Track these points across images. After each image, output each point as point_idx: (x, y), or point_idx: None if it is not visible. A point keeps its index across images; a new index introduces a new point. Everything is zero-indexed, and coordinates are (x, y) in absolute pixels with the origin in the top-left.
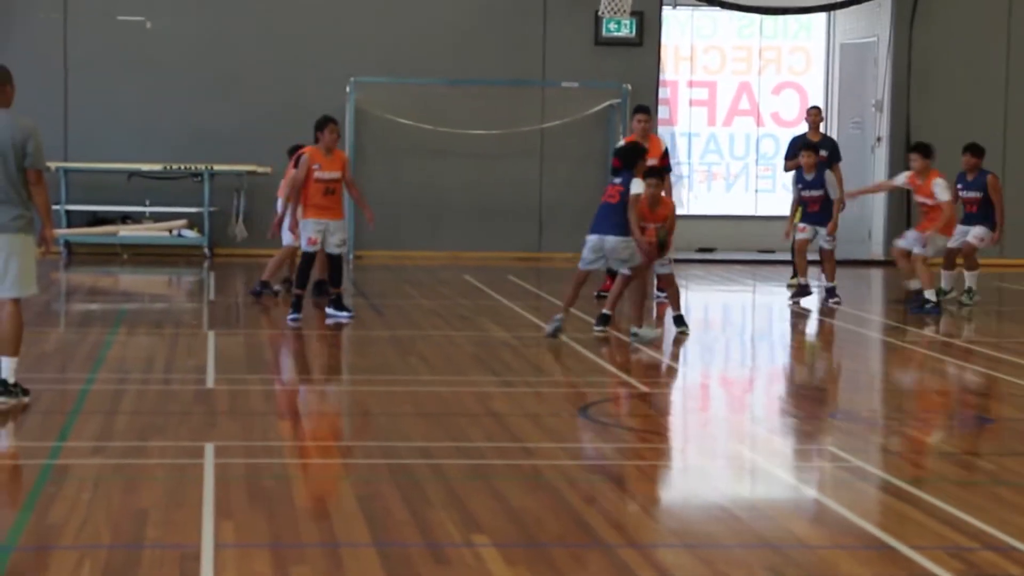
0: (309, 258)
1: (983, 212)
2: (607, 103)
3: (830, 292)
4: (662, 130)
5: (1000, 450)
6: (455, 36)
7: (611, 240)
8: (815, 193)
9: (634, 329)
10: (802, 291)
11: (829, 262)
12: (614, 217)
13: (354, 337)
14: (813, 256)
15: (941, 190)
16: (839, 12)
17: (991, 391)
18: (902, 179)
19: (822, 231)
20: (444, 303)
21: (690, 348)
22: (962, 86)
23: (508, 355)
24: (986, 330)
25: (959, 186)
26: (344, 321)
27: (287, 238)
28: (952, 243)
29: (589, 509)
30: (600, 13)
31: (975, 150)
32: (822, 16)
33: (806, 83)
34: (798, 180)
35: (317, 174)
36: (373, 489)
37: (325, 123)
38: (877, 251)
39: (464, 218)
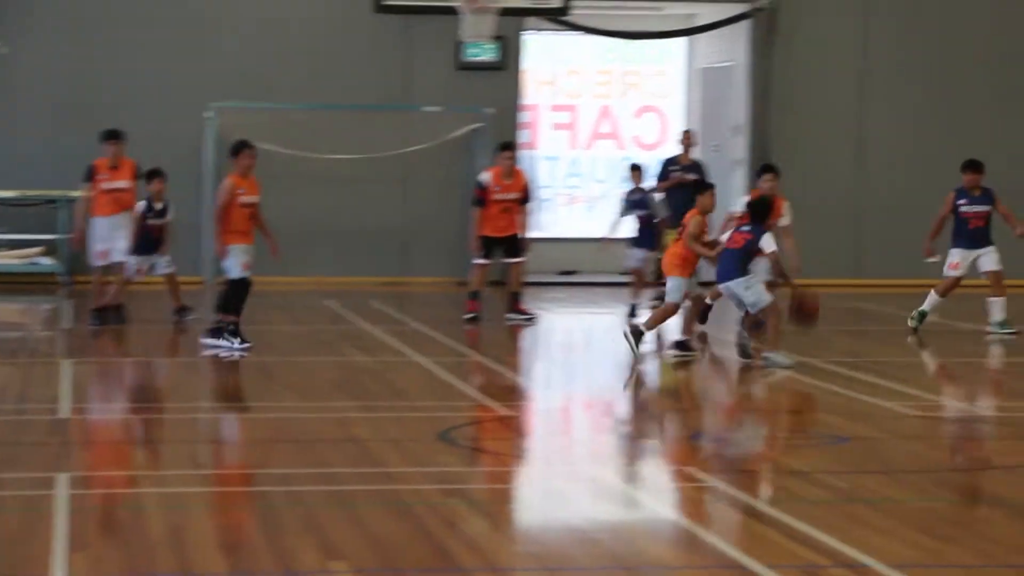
0: (246, 284)
1: (988, 229)
2: (470, 127)
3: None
4: (524, 153)
5: (854, 468)
6: (317, 60)
7: (733, 284)
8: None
9: (766, 353)
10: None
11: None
12: (734, 263)
13: (215, 364)
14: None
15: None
16: (698, 37)
17: (847, 410)
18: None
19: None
20: (306, 329)
21: (551, 371)
22: (819, 108)
23: (370, 380)
24: (843, 349)
25: (963, 202)
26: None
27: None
28: (959, 271)
29: (449, 534)
30: (461, 38)
31: (977, 166)
32: (682, 41)
33: (667, 107)
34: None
35: (242, 199)
36: (231, 518)
37: (242, 147)
38: None
39: (326, 244)
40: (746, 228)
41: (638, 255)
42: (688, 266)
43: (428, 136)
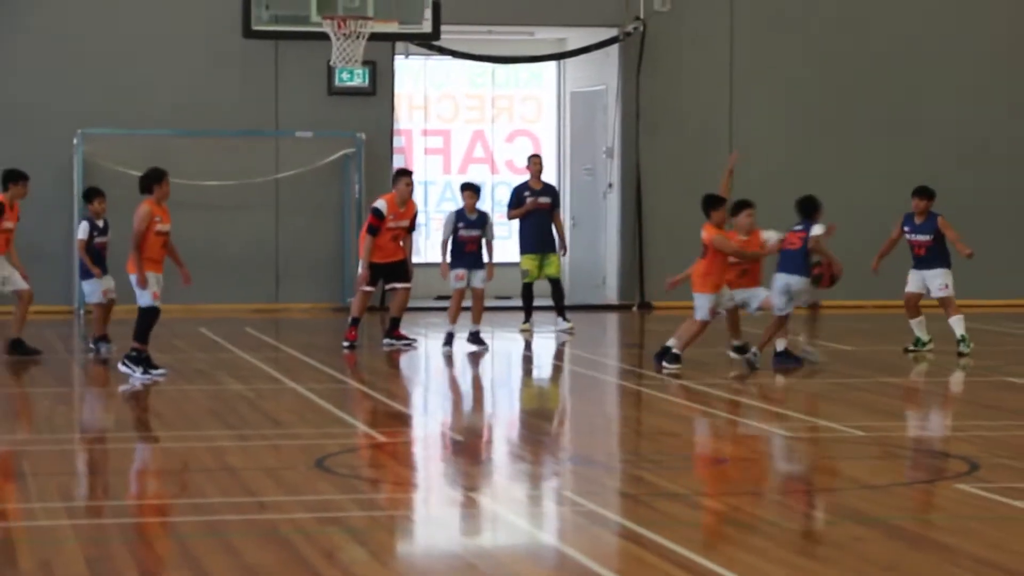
0: (157, 312)
1: (932, 254)
2: (342, 152)
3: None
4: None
5: (730, 490)
6: (188, 86)
7: (795, 280)
8: (474, 233)
9: (807, 348)
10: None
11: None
12: (798, 259)
13: (85, 393)
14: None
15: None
16: (569, 61)
17: (723, 432)
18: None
19: (480, 273)
20: (179, 357)
21: (429, 397)
22: (689, 131)
23: (245, 408)
24: (721, 372)
25: (906, 228)
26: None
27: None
28: (912, 287)
29: (326, 563)
30: (332, 63)
31: (926, 193)
32: (552, 65)
33: (539, 131)
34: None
35: (159, 227)
36: (102, 550)
37: (162, 175)
38: (611, 296)
39: (199, 270)
40: (799, 227)
41: (461, 276)
42: (714, 281)
43: (300, 161)
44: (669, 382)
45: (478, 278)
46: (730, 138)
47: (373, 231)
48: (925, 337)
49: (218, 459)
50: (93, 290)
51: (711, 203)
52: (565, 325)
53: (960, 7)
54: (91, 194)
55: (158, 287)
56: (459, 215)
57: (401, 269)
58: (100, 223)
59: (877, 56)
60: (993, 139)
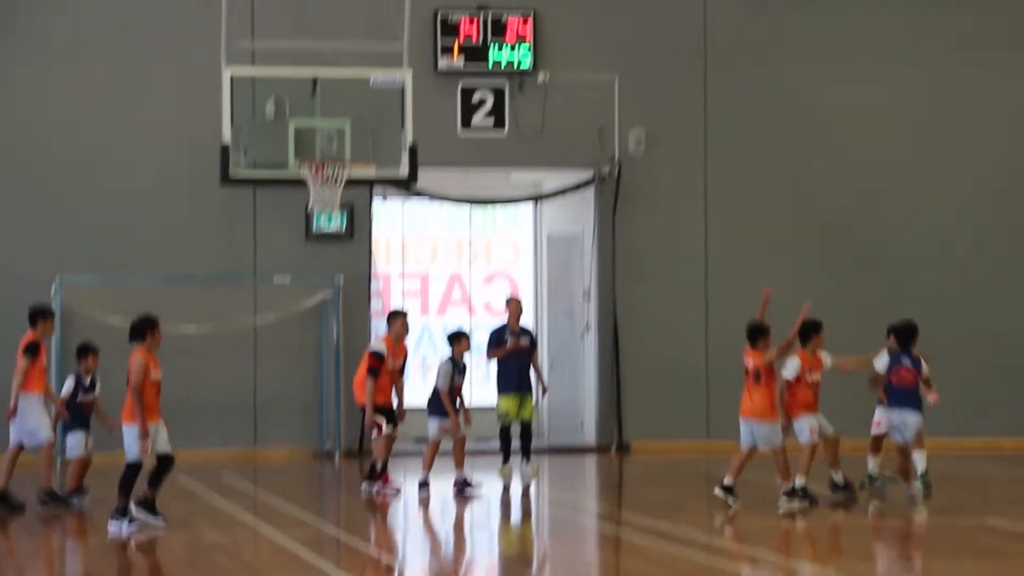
0: (140, 466)
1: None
2: (320, 296)
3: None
4: (376, 322)
5: None
6: (166, 231)
7: (915, 417)
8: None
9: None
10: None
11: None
12: (916, 396)
13: (40, 545)
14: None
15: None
16: (545, 203)
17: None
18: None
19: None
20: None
21: (409, 542)
22: (665, 271)
23: (222, 558)
24: (698, 515)
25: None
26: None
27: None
28: (877, 430)
29: None
30: (310, 208)
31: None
32: (529, 207)
33: (516, 273)
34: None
35: (153, 376)
36: None
37: (155, 323)
38: (590, 439)
39: (177, 416)
40: (908, 362)
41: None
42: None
43: (278, 306)
44: (649, 526)
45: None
46: (705, 277)
47: (375, 373)
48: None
49: None
50: (75, 444)
51: (760, 332)
52: (529, 468)
53: (929, 152)
54: (85, 351)
55: (157, 436)
56: (454, 363)
57: (392, 414)
58: (87, 380)
59: (854, 193)
60: (965, 278)
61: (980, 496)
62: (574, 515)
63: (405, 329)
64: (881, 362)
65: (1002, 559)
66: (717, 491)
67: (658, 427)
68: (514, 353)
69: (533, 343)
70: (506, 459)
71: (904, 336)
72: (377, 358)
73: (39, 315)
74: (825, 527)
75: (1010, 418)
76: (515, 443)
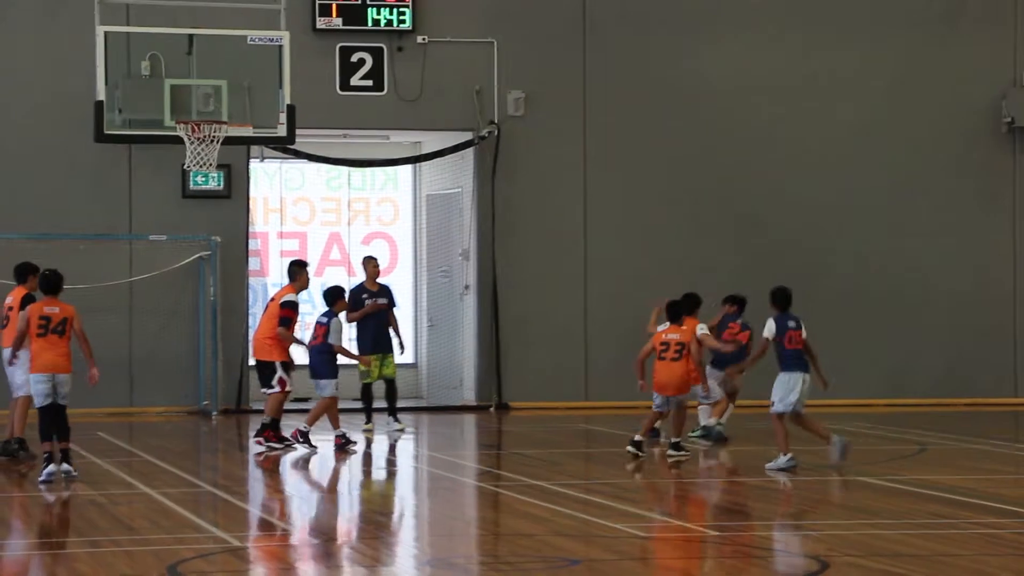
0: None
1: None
2: (197, 255)
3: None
4: (253, 281)
5: None
6: (40, 189)
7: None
8: None
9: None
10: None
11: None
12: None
13: None
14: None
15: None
16: (424, 164)
17: (578, 532)
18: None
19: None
20: (31, 463)
21: (284, 500)
22: (544, 233)
23: (95, 514)
24: (573, 472)
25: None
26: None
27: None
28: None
29: None
30: (186, 166)
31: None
32: (408, 168)
33: (395, 233)
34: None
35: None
36: None
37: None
38: (469, 397)
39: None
40: (794, 324)
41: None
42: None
43: (154, 265)
44: (525, 482)
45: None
46: (584, 239)
47: (288, 323)
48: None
49: (67, 567)
50: None
51: (688, 307)
52: (396, 426)
53: (805, 116)
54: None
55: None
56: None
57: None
58: None
59: (729, 156)
60: (842, 241)
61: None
62: (452, 472)
63: (307, 282)
64: (769, 328)
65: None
66: (629, 447)
67: (537, 387)
68: (373, 313)
69: (391, 301)
70: (368, 418)
71: (785, 300)
72: (292, 308)
73: (29, 271)
74: (702, 487)
75: (882, 380)
76: (380, 403)
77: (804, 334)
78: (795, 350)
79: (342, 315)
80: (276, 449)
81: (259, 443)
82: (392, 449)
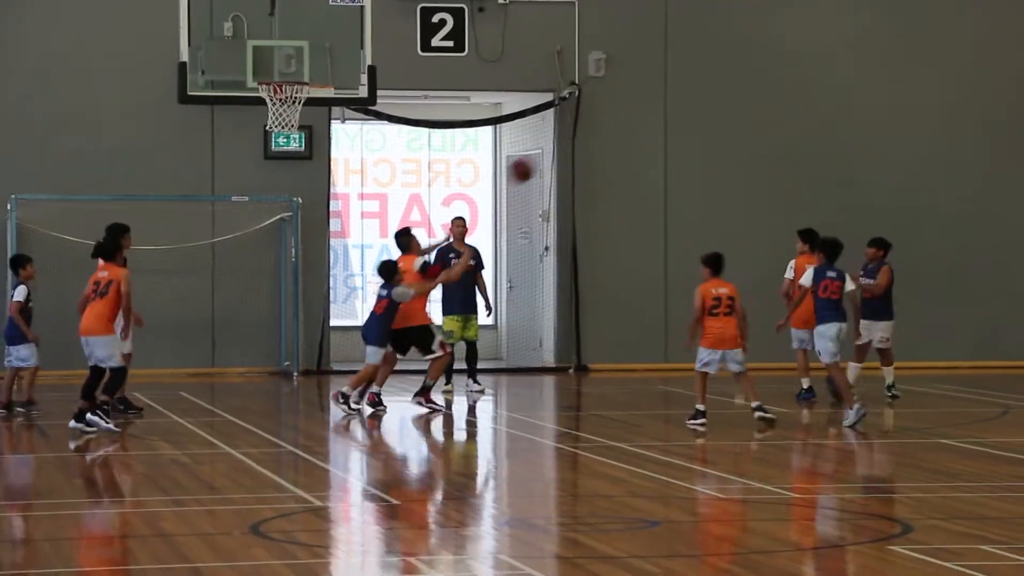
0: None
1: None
2: (278, 216)
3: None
4: (334, 242)
5: (664, 552)
6: (123, 151)
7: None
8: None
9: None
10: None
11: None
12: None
13: (17, 460)
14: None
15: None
16: (505, 125)
17: (657, 494)
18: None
19: None
20: (114, 423)
21: (365, 460)
22: (624, 194)
23: (179, 473)
24: (653, 434)
25: (860, 273)
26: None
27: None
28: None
29: None
30: (268, 127)
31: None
32: (489, 129)
33: (475, 194)
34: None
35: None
36: None
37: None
38: (548, 359)
39: (135, 335)
40: (833, 275)
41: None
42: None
43: (236, 226)
44: (603, 443)
45: None
46: (665, 200)
47: (432, 274)
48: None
49: (152, 525)
50: (30, 354)
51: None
52: (476, 388)
53: (892, 77)
54: (23, 260)
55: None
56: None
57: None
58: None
59: (814, 115)
60: (932, 204)
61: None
62: (531, 434)
63: (419, 246)
64: (807, 277)
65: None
66: (757, 416)
67: (616, 349)
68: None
69: (479, 263)
70: (448, 379)
71: (833, 251)
72: (426, 266)
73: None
74: (781, 449)
75: (968, 343)
76: (461, 364)
77: (848, 287)
78: (828, 299)
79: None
80: (437, 409)
81: (419, 403)
82: (471, 410)
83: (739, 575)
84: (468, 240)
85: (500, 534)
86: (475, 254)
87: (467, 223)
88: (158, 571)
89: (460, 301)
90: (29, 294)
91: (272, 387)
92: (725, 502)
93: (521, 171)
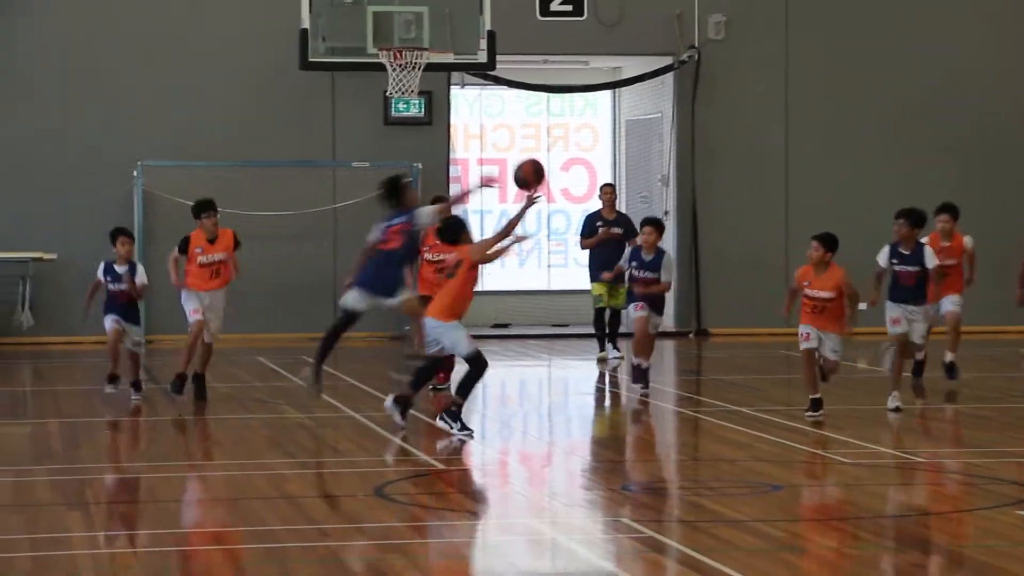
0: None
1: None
2: None
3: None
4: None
5: (789, 516)
6: (245, 118)
7: None
8: (650, 275)
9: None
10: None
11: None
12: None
13: (146, 423)
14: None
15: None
16: (624, 89)
17: (780, 458)
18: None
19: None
20: (238, 386)
21: (487, 424)
22: (744, 158)
23: (303, 436)
24: (775, 398)
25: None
26: None
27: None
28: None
29: None
30: (388, 93)
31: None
32: (607, 94)
33: (594, 159)
34: (633, 258)
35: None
36: None
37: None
38: (669, 323)
39: (258, 300)
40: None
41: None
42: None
43: (357, 191)
44: (724, 407)
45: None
46: (786, 165)
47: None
48: None
49: (277, 487)
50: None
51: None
52: (616, 354)
53: (1020, 35)
54: (114, 235)
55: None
56: (634, 252)
57: None
58: (118, 267)
59: (935, 78)
60: None
61: None
62: (653, 398)
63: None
64: (882, 255)
65: None
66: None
67: (737, 313)
68: (607, 241)
69: (628, 231)
70: (602, 346)
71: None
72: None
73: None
74: (905, 414)
75: None
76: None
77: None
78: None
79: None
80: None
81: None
82: (601, 377)
83: (864, 539)
84: (582, 205)
85: (623, 497)
86: (625, 222)
87: (615, 190)
88: (284, 532)
89: (607, 268)
90: (107, 273)
91: (394, 351)
92: (849, 466)
93: (526, 176)
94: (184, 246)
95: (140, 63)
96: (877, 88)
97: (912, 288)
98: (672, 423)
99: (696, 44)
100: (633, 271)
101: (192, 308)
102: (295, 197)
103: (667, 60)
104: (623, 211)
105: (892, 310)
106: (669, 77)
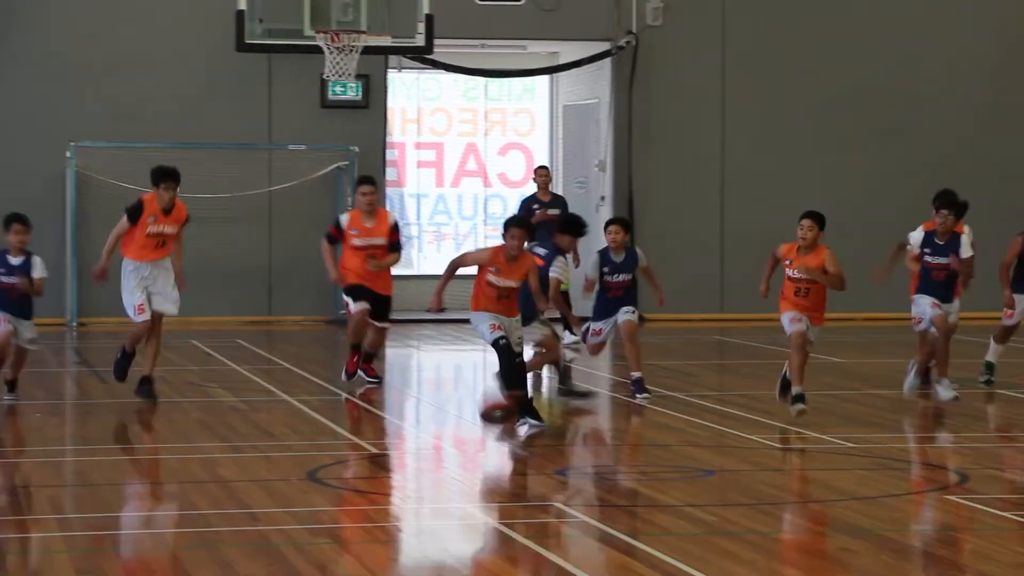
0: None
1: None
2: (335, 165)
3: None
4: (390, 191)
5: (720, 501)
6: (180, 99)
7: None
8: (626, 277)
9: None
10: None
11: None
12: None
13: (77, 407)
14: None
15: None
16: (562, 75)
17: (712, 443)
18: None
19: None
20: (170, 369)
21: (421, 409)
22: (680, 144)
23: (236, 420)
24: (709, 383)
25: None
26: None
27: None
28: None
29: (318, 575)
30: (325, 76)
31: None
32: (545, 79)
33: (532, 144)
34: (604, 264)
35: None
36: (93, 563)
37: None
38: None
39: (192, 283)
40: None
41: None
42: None
43: (293, 175)
44: (657, 392)
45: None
46: (722, 151)
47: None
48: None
49: (210, 471)
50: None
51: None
52: (572, 339)
53: (950, 20)
54: (7, 222)
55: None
56: (603, 256)
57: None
58: (12, 259)
59: (869, 67)
60: (989, 152)
61: None
62: (587, 383)
63: (371, 198)
64: (915, 236)
65: None
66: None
67: (670, 299)
68: (544, 223)
69: (564, 212)
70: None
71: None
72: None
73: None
74: (838, 400)
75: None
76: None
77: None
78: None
79: None
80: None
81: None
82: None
83: (796, 524)
84: (519, 189)
85: (556, 482)
86: (560, 203)
87: (549, 172)
88: (216, 516)
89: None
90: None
91: (328, 335)
92: (781, 452)
93: (493, 411)
94: (136, 212)
95: (74, 42)
96: (814, 75)
97: (943, 283)
98: (606, 409)
99: (634, 30)
100: (606, 278)
101: (136, 303)
102: (231, 179)
103: (605, 45)
104: (559, 192)
105: (921, 304)
106: (607, 62)
